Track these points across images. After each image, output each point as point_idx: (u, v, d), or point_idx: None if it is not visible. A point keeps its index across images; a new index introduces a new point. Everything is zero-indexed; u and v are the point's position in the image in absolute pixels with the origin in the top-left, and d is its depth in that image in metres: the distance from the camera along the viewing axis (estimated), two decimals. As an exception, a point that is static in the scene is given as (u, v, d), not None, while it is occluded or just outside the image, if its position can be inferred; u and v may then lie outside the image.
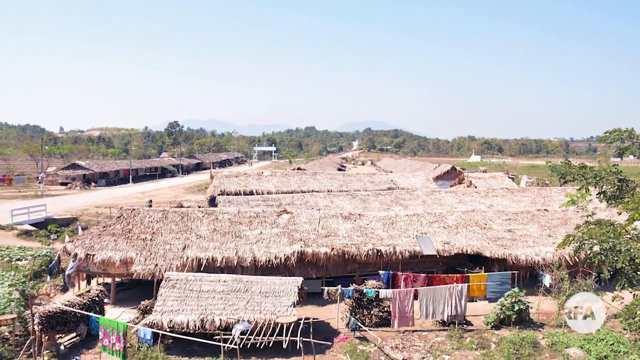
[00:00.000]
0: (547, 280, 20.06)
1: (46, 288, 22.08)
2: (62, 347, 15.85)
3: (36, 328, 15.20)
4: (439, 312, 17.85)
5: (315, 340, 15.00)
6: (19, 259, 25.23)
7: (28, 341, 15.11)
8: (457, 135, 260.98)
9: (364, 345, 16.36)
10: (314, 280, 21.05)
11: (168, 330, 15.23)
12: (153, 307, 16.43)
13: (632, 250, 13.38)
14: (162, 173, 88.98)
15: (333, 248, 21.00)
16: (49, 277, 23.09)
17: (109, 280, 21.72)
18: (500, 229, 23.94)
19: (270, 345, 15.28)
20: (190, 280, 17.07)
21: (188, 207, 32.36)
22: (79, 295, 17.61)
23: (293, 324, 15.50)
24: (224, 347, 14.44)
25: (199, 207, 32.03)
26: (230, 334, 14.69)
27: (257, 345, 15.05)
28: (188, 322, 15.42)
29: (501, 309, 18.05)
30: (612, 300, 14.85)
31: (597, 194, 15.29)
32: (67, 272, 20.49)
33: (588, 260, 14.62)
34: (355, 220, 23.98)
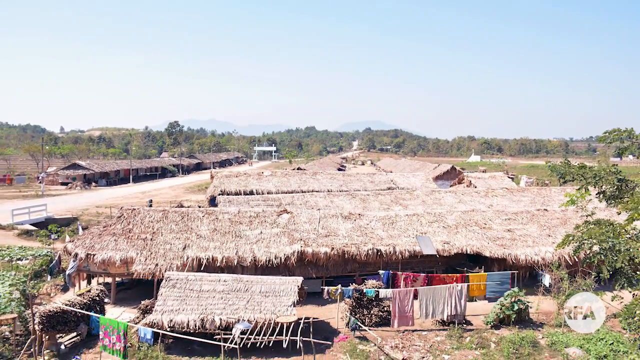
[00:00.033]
0: (546, 280, 20.08)
1: (47, 288, 22.11)
2: (62, 347, 15.87)
3: (37, 328, 15.21)
4: (438, 311, 17.88)
5: (315, 340, 15.03)
6: (19, 259, 25.27)
7: (29, 341, 15.13)
8: (457, 135, 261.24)
9: (364, 345, 16.39)
10: (314, 280, 21.09)
11: (168, 329, 15.26)
12: (153, 307, 16.45)
13: (631, 250, 13.42)
14: (163, 173, 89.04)
15: (333, 248, 21.03)
16: (49, 277, 23.12)
17: (109, 280, 21.75)
18: (500, 228, 23.96)
19: (271, 344, 15.31)
20: (190, 280, 17.10)
21: (188, 207, 32.40)
22: (80, 295, 17.65)
23: (293, 323, 15.53)
24: (224, 346, 14.47)
25: (199, 207, 32.07)
26: (231, 334, 14.71)
27: (257, 344, 15.09)
28: (188, 321, 15.44)
29: (501, 309, 18.08)
30: (612, 300, 14.92)
31: (596, 194, 15.33)
32: (67, 272, 20.52)
33: (587, 260, 14.67)
34: (355, 220, 24.01)
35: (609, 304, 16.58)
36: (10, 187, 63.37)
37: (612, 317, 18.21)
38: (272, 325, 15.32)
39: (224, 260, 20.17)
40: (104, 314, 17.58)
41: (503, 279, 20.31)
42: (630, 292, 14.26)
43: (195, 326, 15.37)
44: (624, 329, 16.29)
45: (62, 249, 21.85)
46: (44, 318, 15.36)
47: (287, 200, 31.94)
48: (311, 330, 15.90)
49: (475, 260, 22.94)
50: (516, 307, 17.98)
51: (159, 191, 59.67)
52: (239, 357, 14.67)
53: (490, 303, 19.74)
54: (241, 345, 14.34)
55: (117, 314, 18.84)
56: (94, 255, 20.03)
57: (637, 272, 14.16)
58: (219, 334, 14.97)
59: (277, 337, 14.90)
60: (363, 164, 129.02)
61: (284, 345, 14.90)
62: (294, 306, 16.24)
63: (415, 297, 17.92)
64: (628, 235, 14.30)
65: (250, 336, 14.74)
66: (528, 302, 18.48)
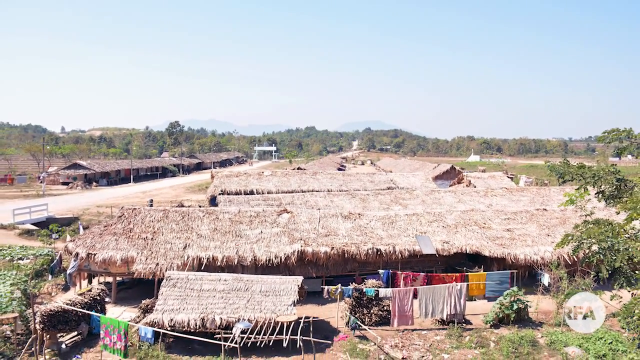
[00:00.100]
0: (545, 279, 20.13)
1: (48, 287, 22.18)
2: (63, 346, 15.91)
3: (38, 327, 15.26)
4: (438, 311, 17.93)
5: (315, 339, 15.08)
6: (20, 258, 25.35)
7: (30, 340, 15.17)
8: (456, 135, 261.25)
9: (363, 344, 16.44)
10: (314, 279, 21.14)
11: (169, 329, 15.31)
12: (154, 306, 16.51)
13: (630, 250, 13.46)
14: (163, 173, 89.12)
15: (333, 247, 21.09)
16: (50, 276, 23.19)
17: (110, 279, 21.82)
18: (499, 228, 24.01)
19: (271, 344, 15.36)
20: (191, 280, 17.16)
21: (189, 206, 32.46)
22: (81, 294, 17.71)
23: (293, 322, 15.58)
24: (224, 345, 14.52)
25: (200, 206, 32.14)
26: (231, 333, 14.77)
27: (258, 344, 15.15)
28: (189, 321, 15.50)
29: (500, 308, 18.13)
30: (611, 299, 14.94)
31: (595, 194, 15.37)
32: (68, 271, 20.57)
33: (587, 260, 14.71)
34: (355, 220, 24.06)
35: (608, 303, 16.61)
36: (12, 186, 63.48)
37: (611, 316, 18.26)
38: (272, 324, 15.38)
39: (225, 260, 20.23)
40: (104, 313, 17.65)
41: (502, 279, 20.36)
42: (629, 291, 14.28)
43: (196, 325, 15.43)
44: (623, 328, 16.34)
45: (63, 248, 21.91)
46: (45, 317, 15.42)
47: (287, 200, 31.99)
48: (311, 329, 15.96)
49: (475, 260, 22.99)
50: (515, 307, 18.02)
51: (159, 191, 59.74)
52: (239, 356, 14.73)
53: (489, 302, 19.79)
54: (241, 345, 14.39)
55: (117, 313, 18.91)
56: (94, 254, 20.09)
57: (636, 272, 14.19)
58: (219, 333, 15.00)
59: (277, 336, 14.94)
60: (363, 163, 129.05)
61: (284, 345, 14.96)
62: (294, 305, 16.30)
63: (415, 296, 17.98)
64: (627, 235, 14.33)
65: (250, 335, 14.80)
66: (527, 301, 18.53)
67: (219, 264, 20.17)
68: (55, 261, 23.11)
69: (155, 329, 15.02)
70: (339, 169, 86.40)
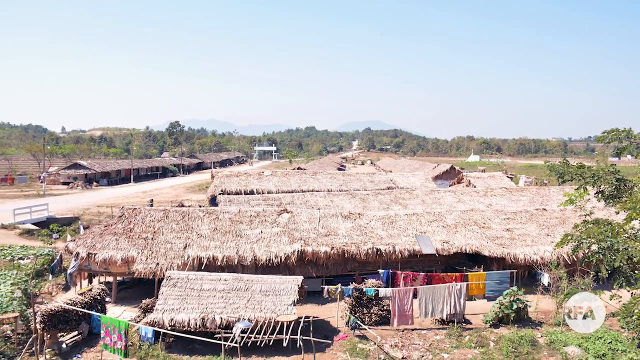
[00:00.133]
0: (545, 279, 20.15)
1: (48, 287, 22.21)
2: (64, 346, 15.94)
3: (38, 326, 15.30)
4: (438, 310, 17.96)
5: (315, 339, 15.11)
6: (21, 258, 25.39)
7: (30, 339, 15.19)
8: (456, 135, 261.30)
9: (363, 344, 16.47)
10: (314, 279, 21.17)
11: (169, 328, 15.34)
12: (154, 306, 16.54)
13: (629, 249, 13.47)
14: (163, 173, 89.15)
15: (333, 247, 21.12)
16: (51, 276, 23.23)
17: (110, 279, 21.86)
18: (499, 228, 24.04)
19: (271, 343, 15.40)
20: (191, 279, 17.19)
21: (189, 206, 32.48)
22: (81, 294, 17.75)
23: (293, 322, 15.61)
24: (224, 345, 14.56)
25: (200, 206, 32.16)
26: (231, 333, 14.80)
27: (258, 343, 15.19)
28: (189, 320, 15.54)
29: (500, 308, 18.16)
30: (610, 299, 14.96)
31: (595, 194, 15.39)
32: (69, 271, 20.60)
33: (586, 259, 14.72)
34: (355, 220, 24.09)
35: (608, 303, 16.63)
36: (12, 186, 63.55)
37: (610, 316, 18.27)
38: (272, 324, 15.41)
39: (225, 260, 20.26)
40: (105, 313, 17.68)
41: (502, 278, 20.39)
42: (629, 291, 14.30)
43: (196, 325, 15.47)
44: (623, 327, 16.37)
45: (64, 248, 21.94)
46: (45, 317, 15.46)
47: (287, 199, 32.02)
48: (311, 329, 15.99)
49: (475, 260, 23.02)
50: (515, 306, 18.06)
51: (159, 191, 59.77)
52: (239, 356, 14.76)
53: (489, 302, 19.83)
54: (241, 344, 14.42)
55: (118, 313, 18.94)
56: (95, 254, 20.12)
57: (636, 271, 14.20)
58: (219, 333, 15.04)
59: (277, 335, 14.97)
60: (363, 163, 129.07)
61: (284, 344, 14.99)
62: (294, 305, 16.33)
63: (415, 296, 18.01)
64: (626, 235, 14.34)
65: (250, 335, 14.83)
66: (527, 301, 18.56)
67: (219, 263, 20.20)
68: (55, 261, 23.15)
69: (156, 328, 15.05)
70: (339, 169, 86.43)
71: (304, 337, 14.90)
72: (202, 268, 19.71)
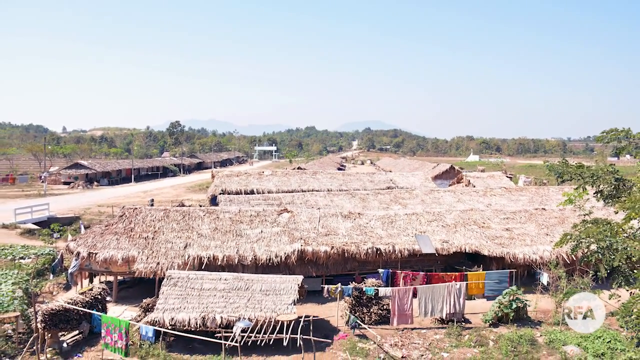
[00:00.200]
0: (544, 278, 20.20)
1: (49, 286, 22.28)
2: (64, 345, 16.01)
3: (39, 326, 15.37)
4: (437, 310, 18.01)
5: (315, 338, 15.14)
6: (22, 258, 25.46)
7: (31, 339, 15.26)
8: (456, 134, 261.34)
9: (363, 343, 16.52)
10: (314, 278, 21.22)
11: (170, 328, 15.40)
12: (155, 305, 16.60)
13: (628, 249, 13.51)
14: (164, 172, 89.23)
15: (333, 247, 21.17)
16: (51, 276, 23.29)
17: (111, 278, 21.92)
18: (499, 227, 24.08)
19: (271, 342, 15.44)
20: (191, 279, 17.25)
21: (189, 206, 32.55)
22: (82, 294, 17.80)
23: (293, 321, 15.66)
24: (225, 344, 14.60)
25: (200, 206, 32.22)
26: (231, 332, 14.85)
27: (258, 342, 15.22)
28: (189, 319, 15.59)
29: (499, 307, 18.21)
30: (609, 298, 14.99)
31: (594, 193, 15.42)
32: (69, 271, 20.67)
33: (585, 259, 14.75)
34: (354, 219, 24.14)
35: (607, 302, 16.65)
36: (13, 186, 63.63)
37: (609, 315, 18.32)
38: (272, 323, 15.46)
39: (225, 259, 20.32)
40: (106, 312, 17.73)
41: (501, 278, 20.44)
42: (628, 290, 14.33)
43: (197, 324, 15.52)
44: (622, 327, 16.42)
45: (65, 247, 22.01)
46: (46, 316, 15.52)
47: (288, 199, 32.07)
48: (311, 328, 16.03)
49: (474, 259, 23.07)
50: (514, 306, 18.11)
51: (160, 190, 59.84)
52: (239, 355, 14.84)
53: (488, 301, 19.88)
54: (242, 343, 14.48)
55: (119, 312, 19.00)
56: (96, 254, 20.19)
57: (634, 271, 14.24)
58: (219, 332, 15.08)
59: (278, 335, 15.02)
60: (363, 163, 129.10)
61: (284, 343, 15.02)
62: (294, 304, 16.39)
63: (415, 295, 18.07)
64: (625, 234, 14.38)
65: (250, 334, 14.88)
66: (526, 300, 18.62)
67: (219, 263, 20.26)
68: (56, 260, 23.20)
69: (156, 327, 15.12)
70: (339, 169, 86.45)
71: (304, 337, 14.94)
72: (203, 267, 19.78)
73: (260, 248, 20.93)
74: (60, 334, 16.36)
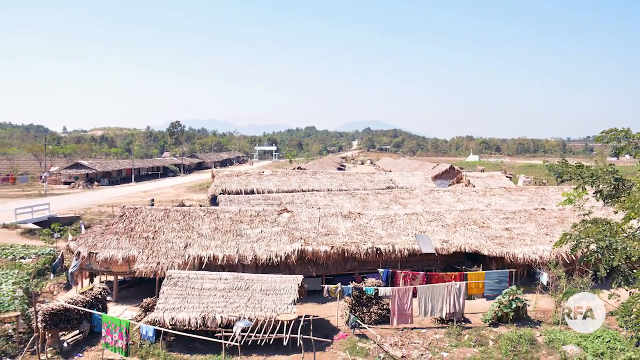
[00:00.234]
0: (544, 278, 20.23)
1: (49, 286, 22.31)
2: (65, 344, 16.04)
3: (40, 325, 15.40)
4: (437, 309, 18.04)
5: (315, 338, 15.16)
6: (22, 257, 25.49)
7: (32, 338, 15.28)
8: (456, 135, 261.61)
9: (363, 343, 16.55)
10: (314, 278, 21.25)
11: (170, 327, 15.42)
12: (155, 305, 16.64)
13: (628, 249, 13.53)
14: (164, 172, 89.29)
15: (333, 246, 21.20)
16: (52, 275, 23.33)
17: (111, 278, 21.95)
18: (498, 227, 24.11)
19: (271, 342, 15.47)
20: (191, 278, 17.28)
21: (190, 206, 32.58)
22: (82, 293, 17.83)
23: (293, 321, 15.68)
24: (225, 344, 14.63)
25: (201, 206, 32.26)
26: (232, 332, 14.88)
27: (258, 342, 15.25)
28: (190, 319, 15.62)
29: (499, 307, 18.23)
30: (609, 298, 15.02)
31: (593, 193, 15.45)
32: (70, 270, 20.71)
33: (585, 259, 14.78)
34: (354, 219, 24.17)
35: (606, 302, 16.67)
36: (14, 186, 63.67)
37: (609, 314, 18.32)
38: (272, 323, 15.49)
39: (225, 259, 20.35)
40: (106, 312, 17.75)
41: (501, 277, 20.47)
42: (627, 290, 14.36)
43: (197, 324, 15.55)
44: (621, 326, 16.44)
45: (65, 247, 22.05)
46: (46, 316, 15.54)
47: (288, 199, 32.10)
48: (311, 328, 16.05)
49: (474, 259, 23.10)
50: (514, 305, 18.13)
51: (160, 190, 59.89)
52: (239, 355, 14.87)
53: (488, 301, 19.90)
54: (242, 343, 14.51)
55: (119, 312, 19.03)
56: (96, 253, 20.22)
57: (634, 271, 14.26)
58: (220, 332, 15.11)
59: (278, 334, 15.04)
60: (362, 163, 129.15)
61: (285, 343, 15.04)
62: (294, 304, 16.41)
63: (414, 295, 18.09)
64: (625, 234, 14.40)
65: (251, 334, 14.91)
66: (526, 300, 18.64)
67: (219, 263, 20.29)
68: (57, 260, 23.25)
69: (157, 327, 15.15)
70: (339, 169, 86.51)
71: (304, 336, 14.97)
72: (203, 267, 19.81)
73: (261, 248, 20.96)
74: (60, 333, 16.38)
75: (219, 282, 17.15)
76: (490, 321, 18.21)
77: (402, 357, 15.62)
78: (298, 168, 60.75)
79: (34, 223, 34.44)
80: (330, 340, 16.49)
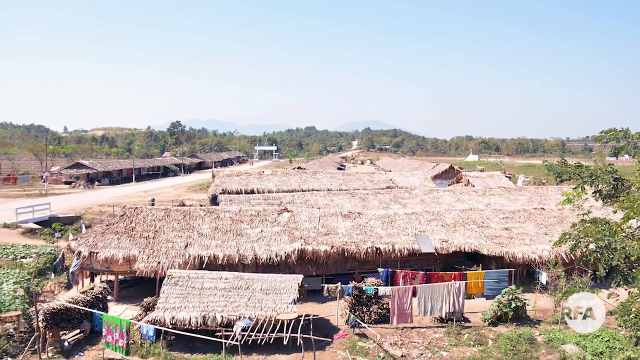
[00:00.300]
0: (543, 277, 20.27)
1: (50, 285, 22.37)
2: (66, 344, 16.08)
3: (40, 325, 15.44)
4: (437, 309, 18.08)
5: (315, 337, 15.21)
6: (23, 257, 25.54)
7: (32, 338, 15.35)
8: (455, 134, 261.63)
9: (363, 342, 16.59)
10: (314, 277, 21.29)
11: (170, 327, 15.47)
12: (155, 304, 16.69)
13: (627, 248, 13.56)
14: (165, 172, 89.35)
15: (333, 246, 21.25)
16: (53, 275, 23.40)
17: (112, 277, 22.00)
18: (498, 227, 24.15)
19: (271, 341, 15.51)
20: (192, 278, 17.33)
21: (190, 205, 32.64)
22: (83, 293, 17.91)
23: (293, 320, 15.73)
24: (225, 343, 14.67)
25: (201, 205, 32.33)
26: (232, 331, 14.93)
27: (258, 341, 15.30)
28: (190, 319, 15.67)
29: (498, 306, 18.27)
30: (608, 298, 15.07)
31: (592, 193, 15.49)
32: (71, 270, 20.77)
33: (584, 258, 14.82)
34: (354, 219, 24.22)
35: (605, 301, 16.72)
36: (15, 186, 63.72)
37: (608, 314, 18.39)
38: (272, 322, 15.54)
39: (225, 258, 20.40)
40: (107, 312, 17.80)
41: (500, 277, 20.52)
42: (626, 289, 14.39)
43: (197, 323, 15.60)
44: (620, 326, 16.51)
45: (66, 247, 22.11)
46: (47, 315, 15.59)
47: (288, 199, 32.16)
48: (311, 327, 16.10)
49: (473, 258, 23.14)
50: (513, 305, 18.17)
51: (161, 190, 59.94)
52: (240, 354, 14.92)
53: (487, 300, 19.94)
54: (242, 342, 14.56)
55: (119, 312, 19.07)
56: (97, 253, 20.27)
57: (633, 270, 14.29)
58: (220, 331, 15.16)
59: (278, 334, 15.09)
60: (362, 163, 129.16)
61: (285, 342, 15.10)
62: (294, 303, 16.46)
63: (414, 294, 18.13)
64: (624, 234, 14.43)
65: (251, 333, 14.96)
66: (525, 299, 18.67)
67: (220, 262, 20.34)
68: (57, 260, 23.31)
69: (157, 326, 15.21)
70: (339, 169, 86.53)
71: (304, 335, 15.02)
72: (203, 267, 19.86)
73: (261, 247, 21.01)
74: (61, 333, 16.43)
75: (220, 281, 17.20)
76: (489, 320, 18.25)
77: (402, 356, 15.67)
78: (298, 168, 60.81)
79: (35, 223, 34.50)
80: (330, 340, 16.53)
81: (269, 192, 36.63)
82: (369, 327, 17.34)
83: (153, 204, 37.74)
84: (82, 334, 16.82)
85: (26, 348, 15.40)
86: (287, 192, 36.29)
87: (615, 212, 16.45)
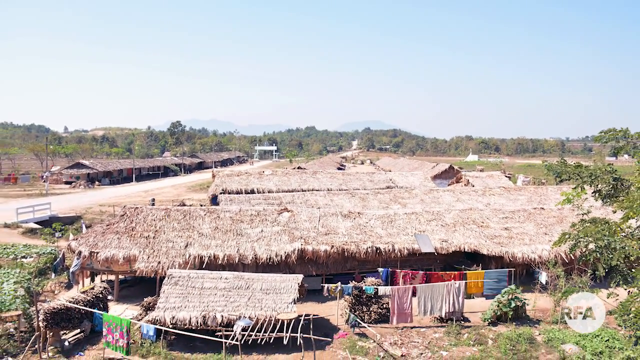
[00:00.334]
0: (543, 277, 20.30)
1: (51, 285, 22.40)
2: (66, 343, 16.11)
3: (41, 324, 15.47)
4: (437, 308, 18.10)
5: (315, 337, 15.23)
6: (24, 257, 25.58)
7: (33, 337, 15.38)
8: (455, 134, 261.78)
9: (363, 342, 16.61)
10: (314, 277, 21.31)
11: (170, 326, 15.50)
12: (156, 304, 16.72)
13: (626, 248, 13.58)
14: (165, 172, 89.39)
15: (333, 246, 21.27)
16: (53, 275, 23.42)
17: (112, 277, 22.03)
18: (497, 227, 24.17)
19: (271, 341, 15.53)
20: (192, 278, 17.36)
21: (190, 205, 32.67)
22: (83, 292, 17.93)
23: (293, 320, 15.75)
24: (225, 343, 14.70)
25: (201, 205, 32.36)
26: (232, 330, 14.96)
27: (258, 341, 15.33)
28: (190, 318, 15.70)
29: (498, 306, 18.29)
30: (607, 297, 15.09)
31: (592, 193, 15.51)
32: (71, 270, 20.80)
33: (583, 258, 14.84)
34: (354, 219, 24.24)
35: (605, 301, 16.75)
36: (15, 186, 63.76)
37: (607, 314, 18.40)
38: (272, 322, 15.56)
39: (226, 258, 20.42)
40: (107, 311, 17.82)
41: (500, 277, 20.54)
42: (626, 289, 14.42)
43: (197, 323, 15.62)
44: (620, 325, 16.54)
45: (66, 247, 22.13)
46: (48, 315, 15.61)
47: (288, 199, 32.19)
48: (311, 327, 16.13)
49: (473, 258, 23.16)
50: (513, 304, 18.19)
51: (161, 190, 59.97)
52: (240, 354, 14.94)
53: (487, 300, 19.97)
54: (242, 342, 14.59)
55: (120, 311, 19.10)
56: (97, 253, 20.30)
57: (633, 270, 14.31)
58: (220, 331, 15.19)
59: (278, 333, 15.12)
60: (362, 163, 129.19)
61: (285, 342, 15.13)
62: (294, 303, 16.49)
63: (414, 294, 18.15)
64: (623, 234, 14.44)
65: (251, 333, 14.99)
66: (525, 299, 18.69)
67: (220, 262, 20.37)
68: (58, 259, 23.34)
69: (157, 326, 15.24)
70: (339, 169, 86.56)
71: (304, 335, 15.05)
72: (203, 266, 19.89)
73: (261, 247, 21.03)
74: (61, 332, 16.44)
75: (220, 281, 17.23)
76: (489, 320, 18.28)
77: (402, 356, 15.69)
78: (298, 168, 60.84)
79: (36, 222, 34.54)
80: (330, 339, 16.56)
81: (269, 192, 36.67)
82: (369, 326, 17.37)
83: (153, 204, 37.77)
84: (82, 334, 16.85)
85: (27, 348, 15.42)
86: (287, 192, 36.32)
87: (614, 212, 16.46)
